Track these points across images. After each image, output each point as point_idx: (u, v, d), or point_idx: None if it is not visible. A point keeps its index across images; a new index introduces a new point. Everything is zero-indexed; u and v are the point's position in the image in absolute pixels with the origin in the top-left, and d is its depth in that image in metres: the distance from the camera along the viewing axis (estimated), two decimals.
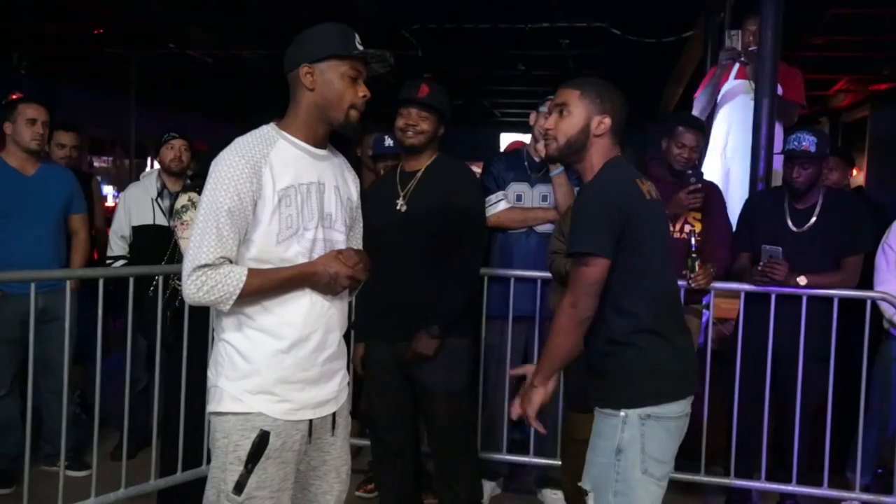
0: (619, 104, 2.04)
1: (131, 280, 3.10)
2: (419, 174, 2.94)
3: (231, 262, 1.84)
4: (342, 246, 2.00)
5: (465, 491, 3.02)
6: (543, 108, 3.56)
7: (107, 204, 9.51)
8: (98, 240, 4.26)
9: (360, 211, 2.14)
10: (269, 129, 1.93)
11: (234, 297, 1.82)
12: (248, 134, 1.91)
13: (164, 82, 9.09)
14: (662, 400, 1.98)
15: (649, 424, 1.96)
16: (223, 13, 6.38)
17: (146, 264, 3.43)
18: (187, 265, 1.82)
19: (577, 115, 2.01)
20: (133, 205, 3.91)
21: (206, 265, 1.80)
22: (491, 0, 6.14)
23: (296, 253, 1.89)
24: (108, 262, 3.93)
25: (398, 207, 2.91)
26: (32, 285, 2.86)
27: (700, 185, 3.42)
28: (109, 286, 3.04)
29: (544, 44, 7.29)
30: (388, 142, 3.61)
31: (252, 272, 1.83)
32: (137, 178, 4.39)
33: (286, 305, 1.89)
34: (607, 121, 2.01)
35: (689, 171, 3.43)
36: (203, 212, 1.83)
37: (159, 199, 3.89)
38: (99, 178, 10.01)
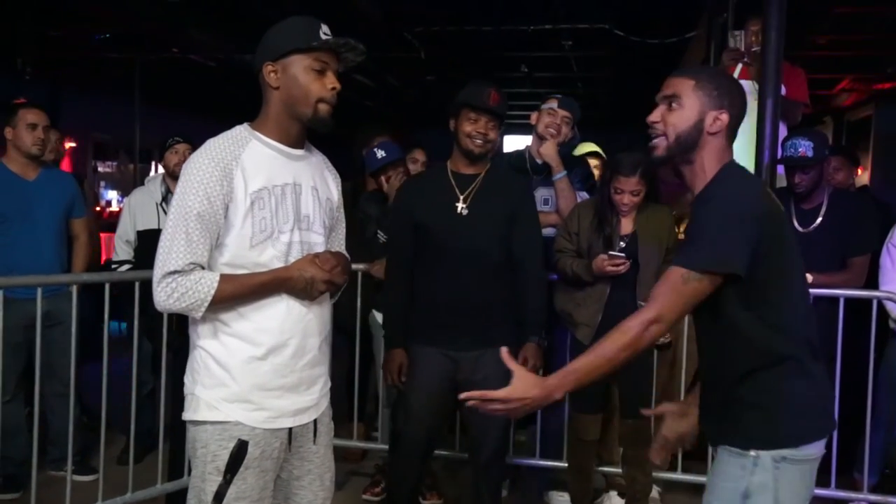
0: (740, 99, 1.78)
1: (137, 284, 3.11)
2: (480, 178, 2.83)
3: (202, 267, 1.79)
4: (321, 248, 1.95)
5: (492, 499, 2.95)
6: (545, 106, 3.56)
7: (111, 209, 9.57)
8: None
9: (341, 211, 2.09)
10: (241, 130, 1.88)
11: (206, 304, 1.78)
12: (220, 135, 1.86)
13: (168, 87, 9.10)
14: (803, 441, 1.71)
15: (784, 468, 1.69)
16: (226, 17, 6.39)
17: (151, 269, 3.43)
18: (157, 271, 1.78)
19: (689, 108, 1.74)
20: (138, 209, 3.92)
21: (175, 271, 1.76)
22: (494, 2, 6.14)
23: (271, 257, 1.84)
24: (113, 266, 3.94)
25: (459, 210, 2.79)
26: (39, 290, 2.87)
27: None
28: (114, 291, 3.05)
29: (547, 45, 7.28)
30: (380, 153, 3.55)
31: (224, 278, 1.79)
32: (142, 183, 4.41)
33: (262, 311, 1.85)
34: (724, 117, 1.74)
35: None
36: (172, 216, 1.79)
37: (164, 204, 3.90)
38: (103, 182, 10.07)
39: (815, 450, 1.74)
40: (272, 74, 1.85)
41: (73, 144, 8.65)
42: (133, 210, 3.93)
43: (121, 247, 3.92)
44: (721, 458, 1.78)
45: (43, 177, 3.64)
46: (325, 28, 1.84)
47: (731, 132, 1.79)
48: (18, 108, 3.61)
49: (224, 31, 6.61)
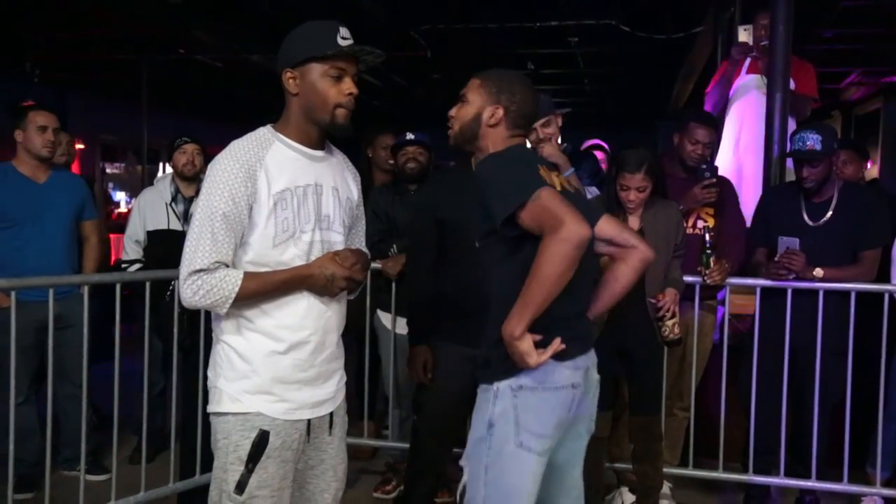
0: (520, 96, 2.04)
1: (148, 284, 3.12)
2: None
3: (227, 266, 1.85)
4: (340, 247, 1.99)
5: None
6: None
7: (119, 210, 9.61)
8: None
9: (361, 209, 2.14)
10: (265, 132, 1.93)
11: (231, 301, 1.83)
12: (244, 137, 1.90)
13: (175, 87, 9.13)
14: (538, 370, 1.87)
15: (522, 395, 1.89)
16: (231, 17, 6.40)
17: (161, 268, 3.45)
18: (183, 270, 1.84)
19: (472, 104, 2.05)
20: (147, 209, 3.93)
21: (201, 270, 1.81)
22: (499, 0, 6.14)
23: (293, 256, 1.90)
24: (123, 266, 3.95)
25: None
26: (51, 291, 2.88)
27: (714, 180, 3.40)
28: (124, 291, 3.06)
29: (553, 42, 7.28)
30: (410, 135, 3.63)
31: (248, 275, 1.84)
32: (150, 184, 4.42)
33: (283, 308, 1.90)
34: (500, 111, 2.02)
35: (703, 166, 3.42)
36: (199, 216, 1.84)
37: (173, 204, 3.91)
38: (111, 184, 10.11)
39: (559, 378, 1.91)
40: (291, 81, 1.89)
41: (81, 146, 8.69)
42: (143, 210, 3.94)
43: (130, 247, 3.93)
44: (478, 398, 1.98)
45: (53, 179, 3.65)
46: (343, 32, 1.87)
47: (513, 123, 2.04)
48: (28, 110, 3.62)
49: (229, 31, 6.63)
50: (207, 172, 1.87)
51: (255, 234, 1.86)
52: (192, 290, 1.82)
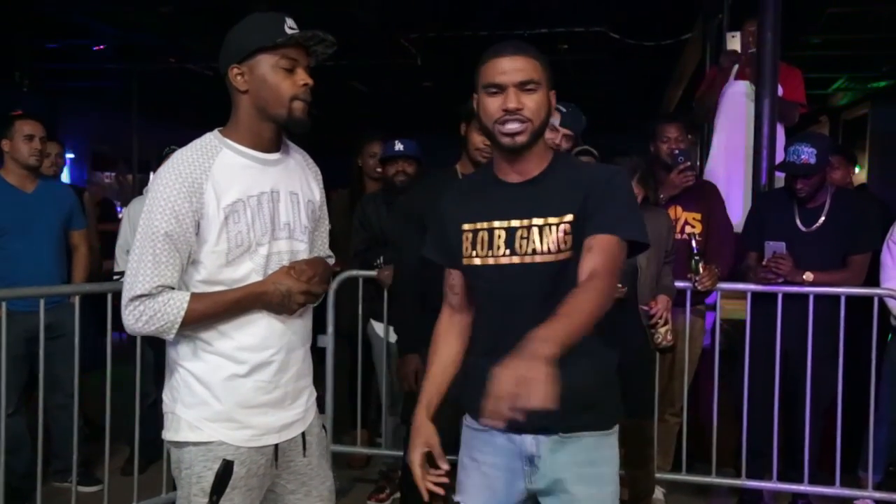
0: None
1: None
2: None
3: (171, 288, 1.70)
4: (305, 255, 1.86)
5: None
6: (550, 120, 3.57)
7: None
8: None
9: (324, 210, 1.97)
10: (210, 138, 1.77)
11: (177, 326, 1.69)
12: (189, 146, 1.75)
13: (165, 96, 9.12)
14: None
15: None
16: (222, 26, 6.41)
17: None
18: (124, 295, 1.70)
19: (542, 86, 1.70)
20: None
21: (142, 295, 1.67)
22: (489, 7, 6.16)
23: (248, 271, 1.75)
24: (114, 277, 3.94)
25: None
26: (42, 301, 2.87)
27: (689, 164, 3.46)
28: (115, 301, 3.05)
29: (543, 49, 7.29)
30: (399, 146, 3.61)
31: (195, 297, 1.70)
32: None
33: (242, 328, 1.76)
34: (553, 97, 1.76)
35: (677, 152, 3.47)
36: (139, 237, 1.70)
37: None
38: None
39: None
40: (239, 77, 1.73)
41: (71, 156, 8.66)
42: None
43: (121, 257, 3.91)
44: (599, 445, 1.71)
45: (41, 189, 3.64)
46: (290, 22, 1.73)
47: None
48: (15, 119, 3.61)
49: (220, 40, 6.63)
50: (149, 188, 1.72)
51: (204, 251, 1.71)
52: (133, 317, 1.68)
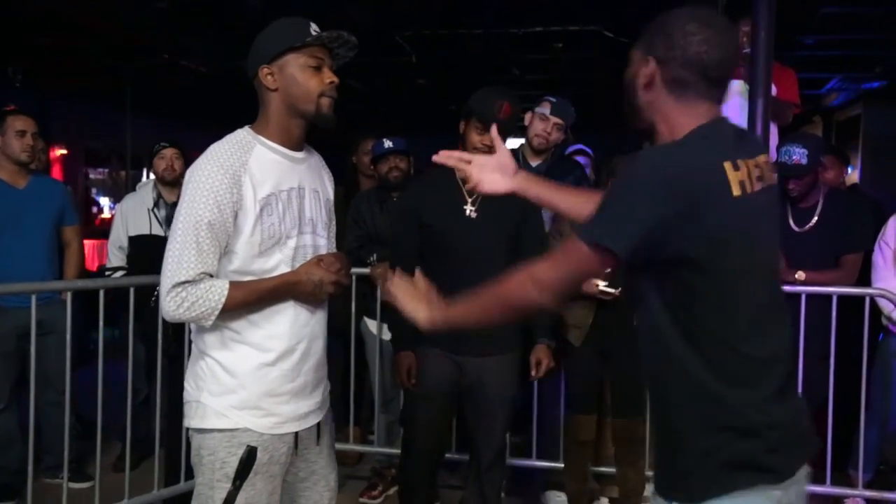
0: (690, 35, 1.42)
1: (132, 290, 3.11)
2: None
3: (211, 276, 1.78)
4: (325, 250, 1.97)
5: (495, 500, 2.93)
6: (539, 110, 3.57)
7: (103, 216, 9.53)
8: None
9: (332, 211, 2.09)
10: (244, 134, 1.87)
11: (217, 312, 1.77)
12: (224, 140, 1.84)
13: (159, 93, 9.09)
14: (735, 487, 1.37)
15: None
16: (216, 23, 6.39)
17: (144, 274, 3.44)
18: (165, 282, 1.76)
19: (631, 66, 1.54)
20: (130, 215, 3.91)
21: (186, 281, 1.74)
22: (484, 5, 6.15)
23: (278, 262, 1.85)
24: (106, 273, 3.93)
25: (468, 213, 2.77)
26: (33, 297, 2.86)
27: None
28: (107, 297, 3.04)
29: (538, 48, 7.31)
30: (388, 143, 3.61)
31: (234, 285, 1.78)
32: (133, 190, 4.40)
33: (271, 317, 1.85)
34: (651, 66, 1.47)
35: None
36: (182, 225, 1.76)
37: (156, 209, 3.90)
38: (94, 189, 10.03)
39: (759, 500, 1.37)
40: (269, 77, 1.84)
41: (64, 152, 8.62)
42: (125, 216, 3.93)
43: (114, 253, 3.91)
44: None
45: (33, 185, 3.63)
46: (314, 26, 1.85)
47: (681, 80, 1.40)
48: (7, 115, 3.60)
49: (214, 36, 6.61)
50: (188, 178, 1.80)
51: (240, 241, 1.80)
52: (175, 303, 1.75)
